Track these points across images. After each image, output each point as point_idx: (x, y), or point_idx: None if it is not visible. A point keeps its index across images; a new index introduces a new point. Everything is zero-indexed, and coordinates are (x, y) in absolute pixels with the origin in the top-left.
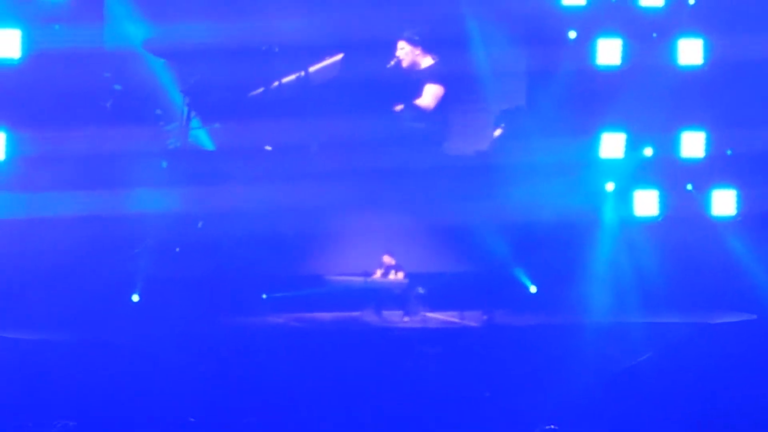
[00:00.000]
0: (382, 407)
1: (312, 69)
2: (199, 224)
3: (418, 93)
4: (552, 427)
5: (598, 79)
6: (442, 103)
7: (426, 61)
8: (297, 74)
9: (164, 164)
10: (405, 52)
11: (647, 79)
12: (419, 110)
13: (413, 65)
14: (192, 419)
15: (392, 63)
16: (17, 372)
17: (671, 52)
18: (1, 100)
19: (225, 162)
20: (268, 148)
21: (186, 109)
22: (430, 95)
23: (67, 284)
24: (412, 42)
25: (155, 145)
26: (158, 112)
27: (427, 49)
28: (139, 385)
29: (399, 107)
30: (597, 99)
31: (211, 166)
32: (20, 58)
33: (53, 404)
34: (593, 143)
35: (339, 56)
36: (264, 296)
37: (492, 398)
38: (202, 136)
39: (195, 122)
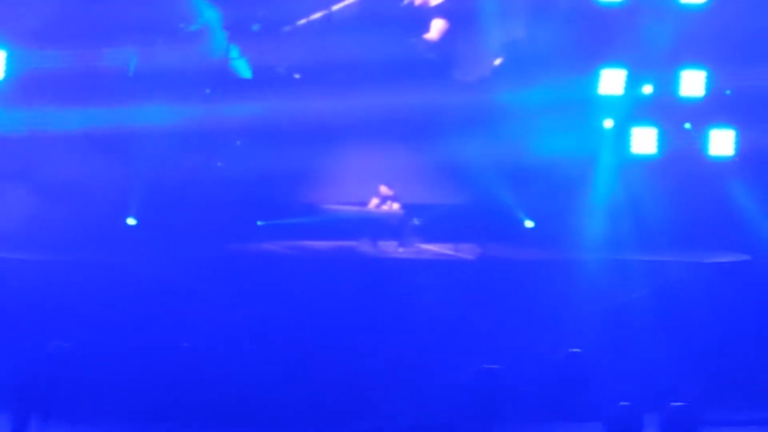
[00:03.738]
0: (376, 337)
1: (335, 7)
2: (238, 143)
3: (425, 28)
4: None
5: (599, 15)
6: (446, 37)
7: None
8: (322, 12)
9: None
10: None
11: (649, 16)
12: (424, 44)
13: (424, 2)
14: (185, 344)
15: (406, 1)
16: (22, 292)
17: None
18: None
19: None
20: (297, 76)
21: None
22: (435, 29)
23: (68, 206)
24: None
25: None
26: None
27: None
28: (132, 308)
29: (406, 40)
30: (598, 35)
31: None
32: None
33: (51, 325)
34: (593, 80)
35: None
36: (259, 223)
37: (484, 330)
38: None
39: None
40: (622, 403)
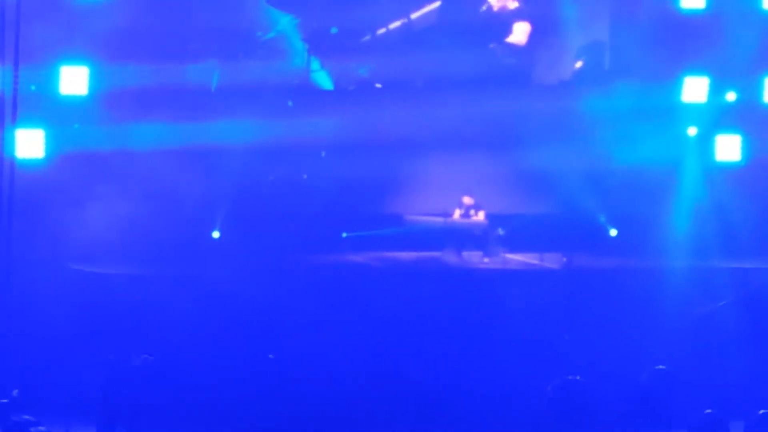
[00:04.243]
0: (461, 347)
1: (414, 15)
2: (322, 154)
3: (504, 33)
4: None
5: (682, 22)
6: (526, 41)
7: (512, 3)
8: (401, 20)
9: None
10: None
11: (732, 23)
12: (504, 49)
13: (502, 7)
14: (271, 356)
15: (484, 7)
16: (108, 306)
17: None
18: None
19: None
20: (378, 85)
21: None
22: (517, 33)
23: (153, 221)
24: None
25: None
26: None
27: None
28: (217, 321)
29: (486, 46)
30: (680, 41)
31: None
32: None
33: (137, 338)
34: (676, 87)
35: (437, 3)
36: (344, 234)
37: (569, 340)
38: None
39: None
40: (707, 411)
